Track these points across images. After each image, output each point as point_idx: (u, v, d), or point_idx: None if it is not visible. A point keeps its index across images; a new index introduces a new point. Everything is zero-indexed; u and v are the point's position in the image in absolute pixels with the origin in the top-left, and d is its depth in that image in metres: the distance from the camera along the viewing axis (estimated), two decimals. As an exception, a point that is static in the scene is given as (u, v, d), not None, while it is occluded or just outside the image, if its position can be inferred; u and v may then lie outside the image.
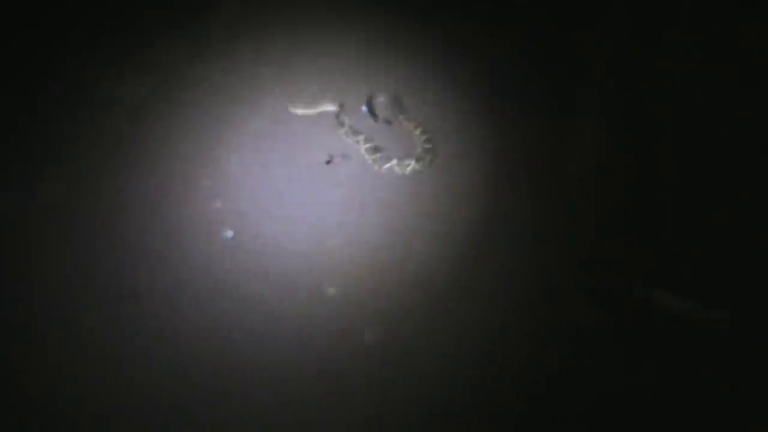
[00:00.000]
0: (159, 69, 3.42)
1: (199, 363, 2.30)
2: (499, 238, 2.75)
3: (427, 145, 3.05)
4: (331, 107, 3.20)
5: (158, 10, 3.70)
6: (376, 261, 2.66)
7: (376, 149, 3.03)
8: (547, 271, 2.63)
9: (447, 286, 2.58)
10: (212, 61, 3.48)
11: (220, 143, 3.08)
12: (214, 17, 3.69)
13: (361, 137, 3.07)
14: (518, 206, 2.87)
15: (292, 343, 2.38)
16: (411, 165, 2.98)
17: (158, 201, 2.84)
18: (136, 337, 2.38)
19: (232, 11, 3.73)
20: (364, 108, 3.24)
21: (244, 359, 2.32)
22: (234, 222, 2.76)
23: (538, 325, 2.46)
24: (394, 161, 2.98)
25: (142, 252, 2.65)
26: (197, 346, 2.35)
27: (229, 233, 2.72)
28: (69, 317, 2.41)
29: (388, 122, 3.21)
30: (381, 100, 3.28)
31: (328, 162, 3.01)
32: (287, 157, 3.03)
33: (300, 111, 3.19)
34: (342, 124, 3.12)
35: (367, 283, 2.58)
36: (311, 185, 2.93)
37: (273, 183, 2.93)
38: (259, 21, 3.67)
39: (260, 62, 3.46)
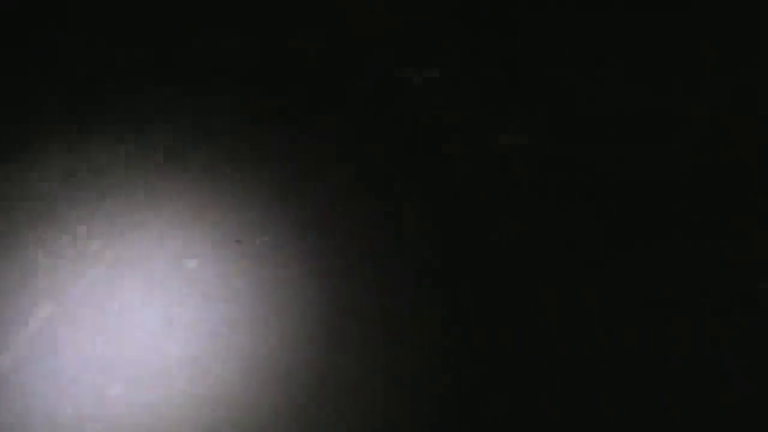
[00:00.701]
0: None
1: (298, 310, 2.21)
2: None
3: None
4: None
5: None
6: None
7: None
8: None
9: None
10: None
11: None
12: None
13: None
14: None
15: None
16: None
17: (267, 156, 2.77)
18: (236, 280, 2.32)
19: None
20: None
21: (353, 305, 2.22)
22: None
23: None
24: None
25: (250, 203, 2.58)
26: (297, 294, 2.27)
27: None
28: (170, 259, 2.40)
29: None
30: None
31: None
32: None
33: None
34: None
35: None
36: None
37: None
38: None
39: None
